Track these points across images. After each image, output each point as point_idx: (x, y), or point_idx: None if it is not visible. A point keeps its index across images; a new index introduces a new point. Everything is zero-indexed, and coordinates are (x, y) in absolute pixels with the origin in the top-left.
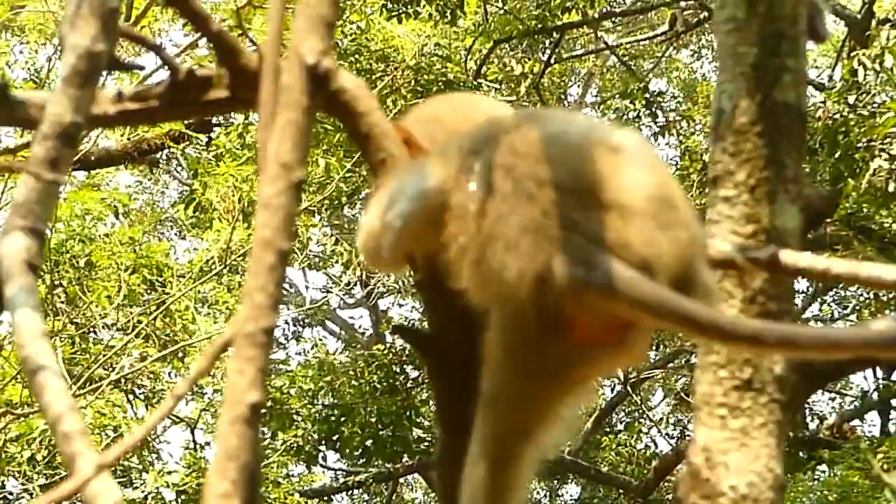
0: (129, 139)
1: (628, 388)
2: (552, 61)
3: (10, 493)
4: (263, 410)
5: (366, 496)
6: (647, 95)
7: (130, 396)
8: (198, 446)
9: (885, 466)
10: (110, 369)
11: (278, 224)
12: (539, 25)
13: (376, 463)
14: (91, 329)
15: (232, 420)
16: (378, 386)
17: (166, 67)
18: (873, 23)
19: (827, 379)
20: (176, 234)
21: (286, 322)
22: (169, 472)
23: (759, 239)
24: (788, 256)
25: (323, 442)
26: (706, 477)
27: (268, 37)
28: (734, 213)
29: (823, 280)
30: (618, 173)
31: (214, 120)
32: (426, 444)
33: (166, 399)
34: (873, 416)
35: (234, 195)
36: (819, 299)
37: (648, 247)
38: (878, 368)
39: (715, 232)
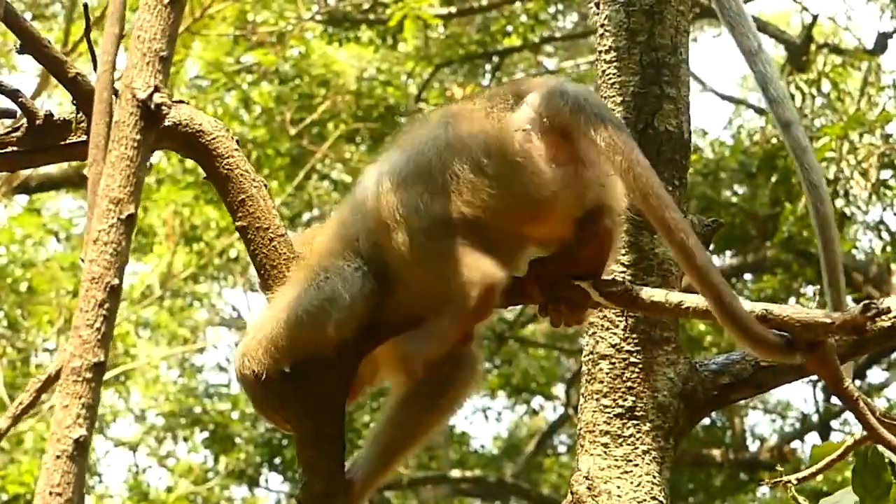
0: (70, 165)
1: (570, 410)
2: (493, 86)
3: None
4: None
5: None
6: None
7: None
8: (140, 470)
9: (824, 488)
10: (51, 393)
11: (108, 260)
12: (480, 50)
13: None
14: (32, 353)
15: (56, 456)
16: None
17: (21, 112)
18: (812, 47)
19: (712, 406)
20: None
21: (227, 346)
22: (111, 496)
23: (641, 267)
24: (643, 292)
25: (265, 464)
26: None
27: (98, 72)
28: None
29: (678, 315)
30: None
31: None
32: None
33: None
34: (814, 438)
35: (175, 219)
36: None
37: None
38: (816, 390)
39: None
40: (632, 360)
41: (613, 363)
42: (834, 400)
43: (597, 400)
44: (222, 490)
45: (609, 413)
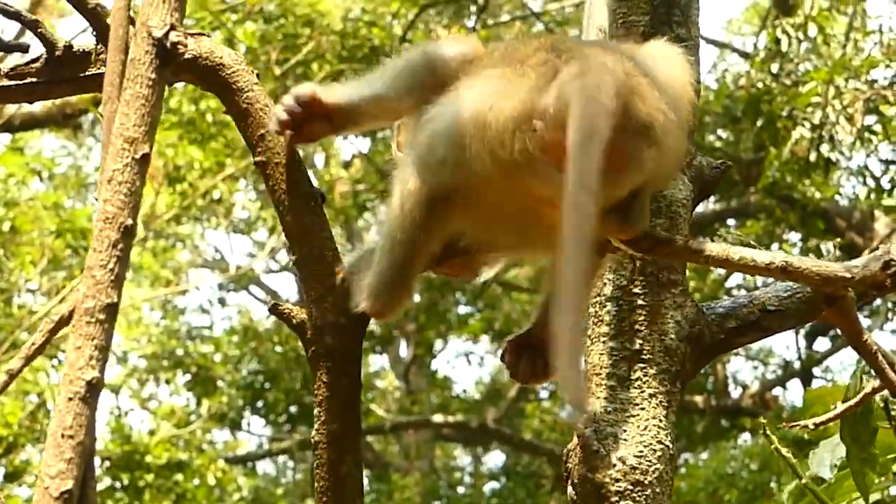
0: (53, 103)
1: None
2: (478, 27)
3: None
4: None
5: (290, 462)
6: None
7: (54, 362)
8: (122, 412)
9: (806, 436)
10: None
11: (122, 199)
12: None
13: (301, 429)
14: (15, 294)
15: (68, 398)
16: (303, 352)
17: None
18: None
19: (718, 350)
20: None
21: (210, 288)
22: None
23: (650, 209)
24: (663, 238)
25: (247, 408)
26: (595, 449)
27: (113, 9)
28: None
29: (696, 262)
30: None
31: None
32: None
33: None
34: (796, 385)
35: (159, 160)
36: None
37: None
38: (798, 337)
39: None
40: (639, 302)
41: (620, 305)
42: (816, 346)
43: (603, 342)
44: (204, 433)
45: (616, 356)
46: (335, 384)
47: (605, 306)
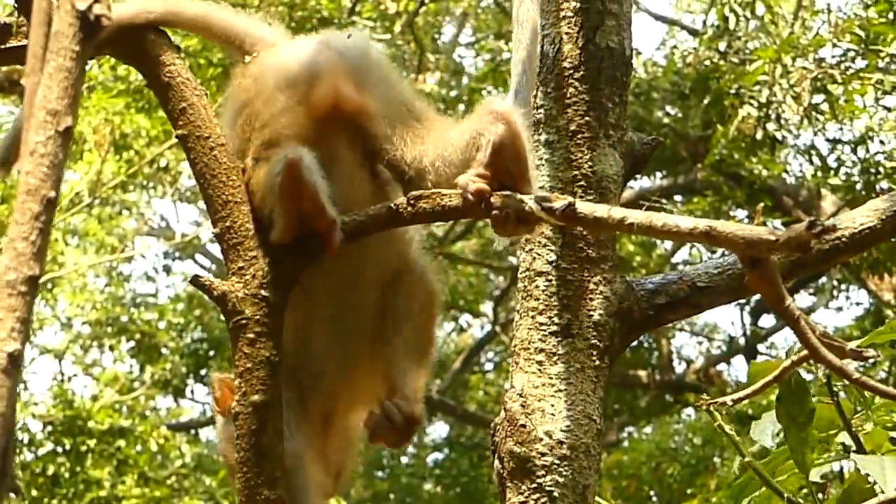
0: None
1: (497, 328)
2: (427, 0)
3: None
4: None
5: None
6: None
7: None
8: (65, 378)
9: (751, 412)
10: None
11: (45, 172)
12: None
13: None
14: None
15: None
16: None
17: None
18: None
19: (647, 325)
20: None
21: (156, 255)
22: (35, 404)
23: (580, 184)
24: (584, 207)
25: (191, 376)
26: (522, 423)
27: None
28: (555, 158)
29: (620, 231)
30: None
31: None
32: None
33: None
34: (740, 360)
35: (105, 127)
36: None
37: None
38: (744, 313)
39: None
40: (568, 277)
41: (549, 280)
42: (761, 322)
43: (532, 317)
44: (148, 400)
45: (544, 330)
46: (256, 355)
47: (534, 281)
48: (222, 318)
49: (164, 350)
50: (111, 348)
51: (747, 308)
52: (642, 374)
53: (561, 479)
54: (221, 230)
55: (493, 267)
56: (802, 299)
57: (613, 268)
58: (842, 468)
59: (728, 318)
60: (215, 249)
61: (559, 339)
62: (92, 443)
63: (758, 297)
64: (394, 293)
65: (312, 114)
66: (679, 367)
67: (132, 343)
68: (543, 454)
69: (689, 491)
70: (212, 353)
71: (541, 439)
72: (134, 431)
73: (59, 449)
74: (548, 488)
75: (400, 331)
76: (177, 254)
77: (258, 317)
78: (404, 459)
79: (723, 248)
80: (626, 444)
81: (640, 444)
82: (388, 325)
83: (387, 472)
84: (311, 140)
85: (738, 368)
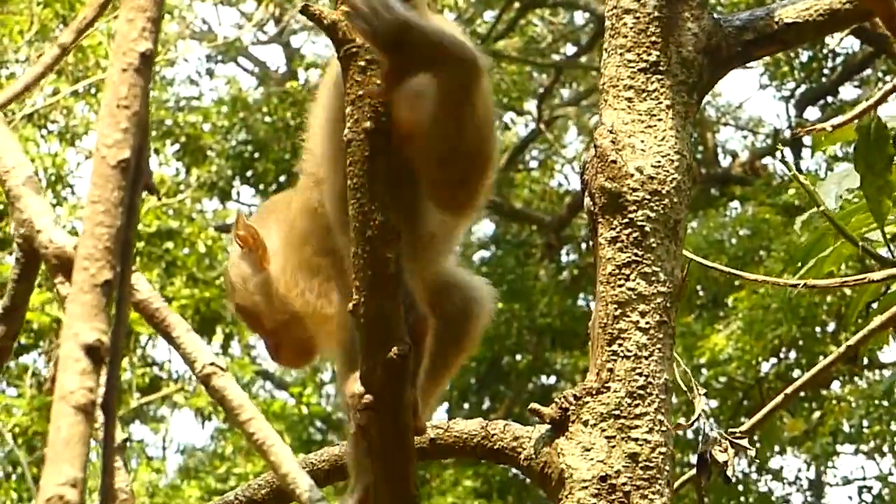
0: None
1: (541, 125)
2: None
3: None
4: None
5: None
6: None
7: (44, 132)
8: None
9: (797, 202)
10: (23, 104)
11: None
12: None
13: None
14: (3, 64)
15: (122, 69)
16: (291, 122)
17: None
18: None
19: (735, 62)
20: None
21: (198, 59)
22: (82, 207)
23: None
24: None
25: (237, 178)
26: (613, 159)
27: None
28: None
29: None
30: None
31: None
32: None
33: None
34: (785, 153)
35: None
36: None
37: None
38: (789, 106)
39: None
40: (656, 14)
41: (637, 17)
42: (806, 115)
43: (620, 55)
44: (194, 202)
45: (633, 67)
46: (366, 83)
47: (622, 19)
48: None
49: (209, 152)
50: (156, 151)
51: (792, 101)
52: None
53: (652, 214)
54: None
55: (537, 64)
56: (847, 91)
57: (701, 4)
58: None
59: (773, 111)
60: (258, 52)
61: (648, 75)
62: (140, 245)
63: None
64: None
65: None
66: (724, 161)
67: (177, 146)
68: (635, 189)
69: (736, 283)
70: (257, 154)
71: (632, 175)
72: (181, 233)
73: None
74: (639, 223)
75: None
76: (219, 57)
77: (366, 44)
78: None
79: None
80: None
81: (687, 238)
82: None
83: None
84: None
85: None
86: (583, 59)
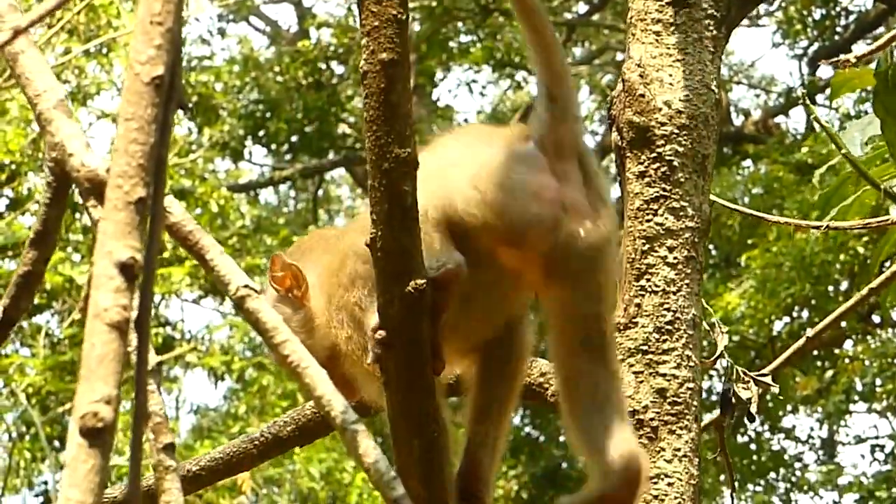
0: None
1: None
2: None
3: None
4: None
5: (292, 191)
6: None
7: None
8: None
9: (810, 160)
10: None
11: None
12: None
13: (302, 158)
14: None
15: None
16: (303, 82)
17: None
18: None
19: None
20: None
21: (210, 18)
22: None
23: None
24: None
25: (249, 137)
26: (641, 93)
27: None
28: None
29: None
30: None
31: None
32: (352, 139)
33: None
34: (798, 112)
35: None
36: None
37: None
38: (802, 64)
39: None
40: None
41: None
42: (819, 73)
43: None
44: (206, 162)
45: (661, 0)
46: (383, 13)
47: None
48: (279, 79)
49: (221, 112)
50: None
51: (805, 59)
52: None
53: (681, 149)
54: None
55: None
56: (860, 50)
57: None
58: None
59: (786, 69)
60: (269, 11)
61: (676, 8)
62: None
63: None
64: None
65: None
66: (737, 120)
67: (189, 105)
68: (663, 123)
69: (749, 241)
70: (269, 114)
71: (660, 109)
72: (194, 193)
73: None
74: (668, 157)
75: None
76: (230, 16)
77: None
78: None
79: None
80: None
81: None
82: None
83: None
84: None
85: (795, 120)
86: (595, 18)
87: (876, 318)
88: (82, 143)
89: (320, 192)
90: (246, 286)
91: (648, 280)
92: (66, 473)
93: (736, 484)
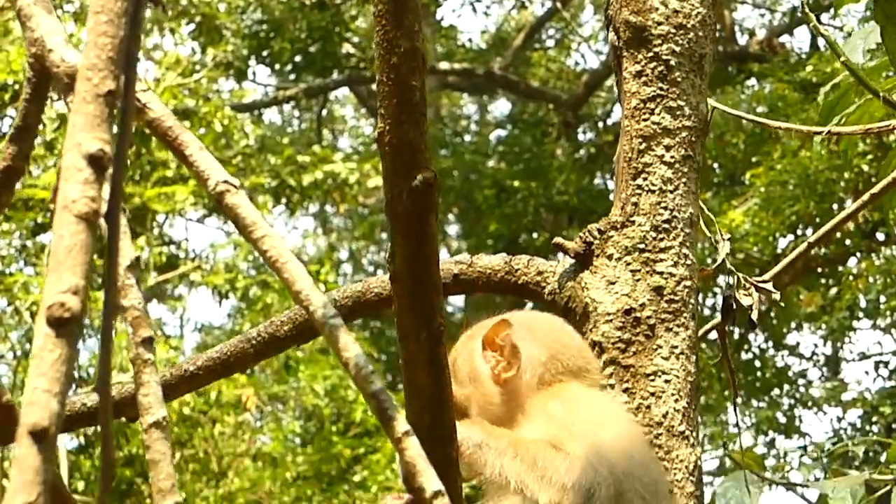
0: None
1: (557, 4)
2: None
3: None
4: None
5: (296, 111)
6: None
7: (59, 13)
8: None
9: (814, 79)
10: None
11: None
12: None
13: (306, 78)
14: None
15: None
16: (307, 1)
17: None
18: None
19: None
20: None
21: None
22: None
23: None
24: None
25: (253, 57)
26: None
27: None
28: None
29: None
30: None
31: None
32: (356, 59)
33: None
34: (803, 31)
35: None
36: None
37: None
38: None
39: None
40: None
41: None
42: None
43: None
44: (210, 82)
45: None
46: None
47: None
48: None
49: (224, 32)
50: (172, 31)
51: None
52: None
53: (677, 48)
54: None
55: None
56: None
57: None
58: None
59: None
60: None
61: None
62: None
63: None
64: None
65: None
66: (741, 39)
67: (192, 25)
68: (660, 23)
69: (753, 159)
70: (272, 34)
71: (656, 8)
72: (198, 113)
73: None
74: (664, 57)
75: None
76: None
77: None
78: (467, 137)
79: None
80: None
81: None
82: None
83: (450, 150)
84: None
85: (800, 39)
86: None
87: (880, 236)
88: (62, 38)
89: (324, 112)
90: (225, 181)
91: (645, 179)
92: (33, 364)
93: (739, 400)
